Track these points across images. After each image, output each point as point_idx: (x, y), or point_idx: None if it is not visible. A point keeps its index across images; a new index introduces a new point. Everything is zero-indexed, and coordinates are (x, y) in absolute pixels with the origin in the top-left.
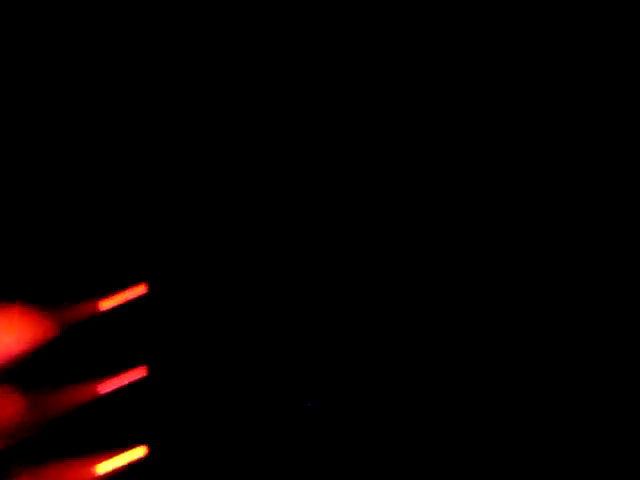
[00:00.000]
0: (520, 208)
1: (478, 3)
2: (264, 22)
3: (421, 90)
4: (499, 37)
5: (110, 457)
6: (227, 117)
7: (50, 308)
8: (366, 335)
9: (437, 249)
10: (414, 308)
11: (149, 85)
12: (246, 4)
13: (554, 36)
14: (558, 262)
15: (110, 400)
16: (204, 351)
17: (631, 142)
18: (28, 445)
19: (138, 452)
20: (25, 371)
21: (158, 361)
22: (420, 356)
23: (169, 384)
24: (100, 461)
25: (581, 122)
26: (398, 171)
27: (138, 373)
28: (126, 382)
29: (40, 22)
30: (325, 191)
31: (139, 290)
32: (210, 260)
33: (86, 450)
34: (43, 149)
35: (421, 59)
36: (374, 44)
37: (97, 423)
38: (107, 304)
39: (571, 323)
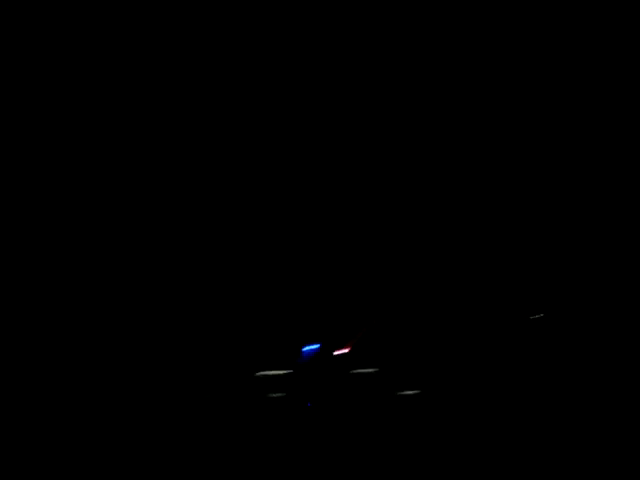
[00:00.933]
0: (520, 207)
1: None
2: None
3: (421, 90)
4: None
5: None
6: (227, 117)
7: None
8: (366, 336)
9: (437, 248)
10: (413, 308)
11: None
12: (246, 4)
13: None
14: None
15: None
16: (203, 351)
17: (631, 142)
18: None
19: None
20: None
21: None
22: (419, 355)
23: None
24: None
25: (581, 122)
26: (398, 171)
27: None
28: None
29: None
30: (325, 191)
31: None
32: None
33: None
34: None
35: (421, 59)
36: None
37: None
38: None
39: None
